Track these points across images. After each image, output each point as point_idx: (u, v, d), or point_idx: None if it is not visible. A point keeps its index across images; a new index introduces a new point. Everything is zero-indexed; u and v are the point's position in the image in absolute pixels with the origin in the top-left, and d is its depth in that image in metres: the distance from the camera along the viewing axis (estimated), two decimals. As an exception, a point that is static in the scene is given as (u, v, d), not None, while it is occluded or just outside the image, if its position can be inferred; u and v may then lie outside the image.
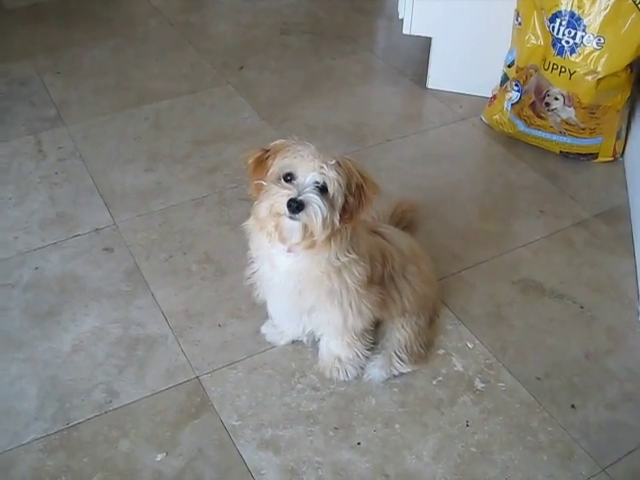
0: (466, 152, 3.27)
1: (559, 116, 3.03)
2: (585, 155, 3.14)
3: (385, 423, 2.10)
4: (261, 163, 1.86)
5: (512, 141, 3.28)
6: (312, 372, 2.24)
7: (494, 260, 2.66)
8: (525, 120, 3.15)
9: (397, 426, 2.09)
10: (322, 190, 1.77)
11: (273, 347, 2.31)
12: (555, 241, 2.75)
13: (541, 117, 3.08)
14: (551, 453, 2.04)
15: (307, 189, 1.76)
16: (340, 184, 1.78)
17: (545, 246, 2.73)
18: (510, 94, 3.18)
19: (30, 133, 3.31)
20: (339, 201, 1.79)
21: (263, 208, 1.81)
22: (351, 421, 2.10)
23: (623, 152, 3.18)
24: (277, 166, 1.81)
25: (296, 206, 1.74)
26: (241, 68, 3.85)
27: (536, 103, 3.08)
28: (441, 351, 2.32)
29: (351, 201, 1.82)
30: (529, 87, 3.08)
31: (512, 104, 3.18)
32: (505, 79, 3.25)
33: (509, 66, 3.20)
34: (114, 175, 3.06)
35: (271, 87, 3.69)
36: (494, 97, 3.34)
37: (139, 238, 2.73)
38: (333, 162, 1.77)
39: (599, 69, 2.84)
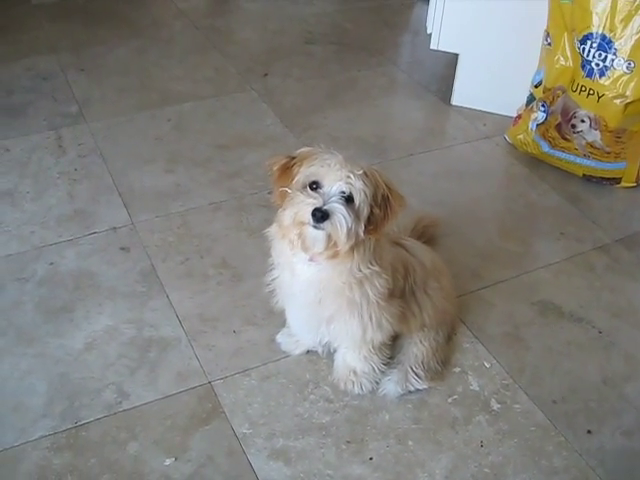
0: (488, 170, 3.25)
1: (584, 139, 3.00)
2: (608, 179, 3.11)
3: (398, 439, 2.07)
4: (286, 170, 1.84)
5: (535, 162, 3.25)
6: (326, 383, 2.21)
7: (513, 280, 2.63)
8: (550, 141, 3.12)
9: (410, 443, 2.06)
10: (348, 200, 1.75)
11: (288, 356, 2.29)
12: (575, 264, 2.72)
13: (566, 139, 3.06)
14: (565, 478, 2.00)
15: (333, 199, 1.74)
16: (366, 195, 1.76)
17: (565, 269, 2.70)
18: (536, 114, 3.16)
19: (51, 128, 3.31)
20: (364, 212, 1.77)
21: (287, 216, 1.79)
22: (364, 435, 2.07)
23: (647, 178, 3.15)
24: (303, 174, 1.79)
25: (321, 215, 1.72)
26: (265, 75, 3.84)
27: (562, 125, 3.05)
28: (457, 369, 2.29)
29: (376, 212, 1.80)
30: (556, 108, 3.06)
31: (537, 124, 3.15)
32: (531, 99, 3.22)
33: (536, 86, 3.18)
34: (133, 175, 3.05)
35: (295, 95, 3.68)
36: (519, 117, 3.32)
37: (156, 239, 2.72)
38: (360, 172, 1.75)
39: (628, 93, 2.81)
